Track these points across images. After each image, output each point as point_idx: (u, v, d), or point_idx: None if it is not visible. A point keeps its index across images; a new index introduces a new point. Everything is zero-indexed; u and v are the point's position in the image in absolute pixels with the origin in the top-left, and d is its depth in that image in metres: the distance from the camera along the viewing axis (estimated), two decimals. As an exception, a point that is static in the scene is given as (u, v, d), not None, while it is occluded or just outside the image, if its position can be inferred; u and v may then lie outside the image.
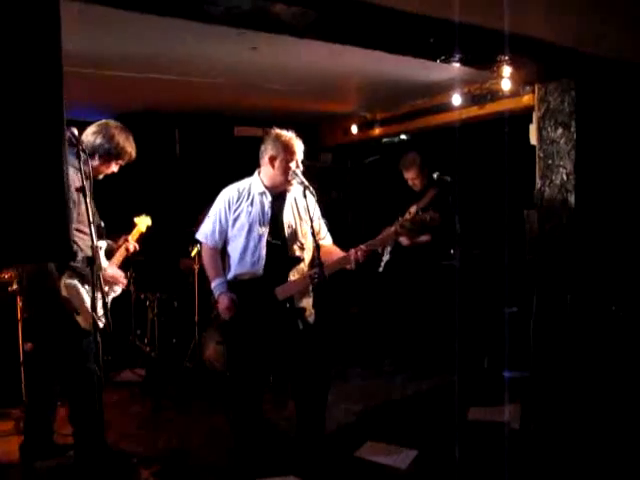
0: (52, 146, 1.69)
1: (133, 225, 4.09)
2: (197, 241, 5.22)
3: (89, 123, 3.53)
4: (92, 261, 2.64)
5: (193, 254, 5.33)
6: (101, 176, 3.56)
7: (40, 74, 1.66)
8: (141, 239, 4.05)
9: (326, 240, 3.64)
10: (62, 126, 1.71)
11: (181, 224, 5.96)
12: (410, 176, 5.24)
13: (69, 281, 3.28)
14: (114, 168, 3.57)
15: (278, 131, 3.44)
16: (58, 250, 1.74)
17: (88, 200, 2.76)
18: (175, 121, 6.50)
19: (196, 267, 5.34)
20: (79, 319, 3.31)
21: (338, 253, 3.50)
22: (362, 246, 3.35)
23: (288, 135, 3.41)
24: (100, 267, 2.71)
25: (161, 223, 4.59)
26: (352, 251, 3.34)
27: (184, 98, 5.52)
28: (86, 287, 3.33)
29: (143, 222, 4.16)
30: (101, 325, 3.26)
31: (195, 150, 6.66)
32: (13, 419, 4.13)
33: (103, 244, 3.60)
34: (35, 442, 3.59)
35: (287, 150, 3.35)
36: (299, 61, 4.23)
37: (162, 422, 4.34)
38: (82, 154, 2.88)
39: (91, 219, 2.72)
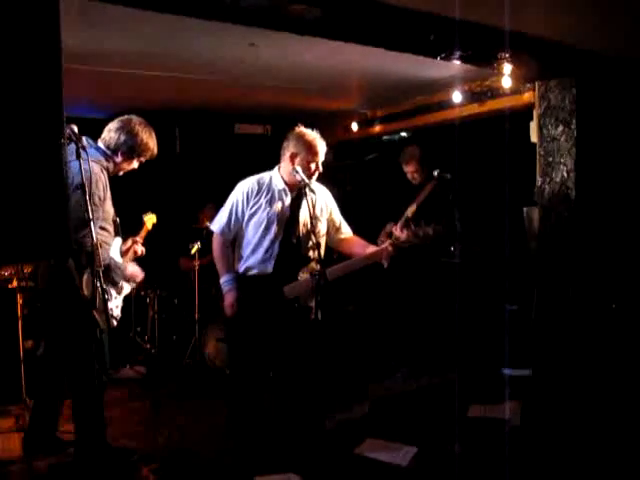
0: (51, 144, 1.69)
1: (142, 223, 4.09)
2: (197, 239, 5.27)
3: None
4: (91, 259, 2.64)
5: (193, 252, 5.33)
6: (121, 173, 3.52)
7: (40, 71, 1.66)
8: (147, 237, 4.05)
9: (346, 233, 3.65)
10: (62, 123, 1.71)
11: (182, 221, 5.97)
12: (410, 169, 5.21)
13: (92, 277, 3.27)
14: (135, 165, 3.53)
15: (302, 129, 3.44)
16: (57, 248, 1.74)
17: (87, 197, 2.76)
18: (175, 118, 6.49)
19: (196, 264, 5.34)
20: (95, 317, 3.31)
21: (364, 244, 3.54)
22: (389, 246, 3.37)
23: (312, 135, 3.41)
24: (100, 264, 2.71)
25: (161, 220, 4.59)
26: (384, 250, 3.39)
27: (184, 95, 5.51)
28: (109, 287, 3.33)
29: (150, 220, 4.15)
30: (114, 323, 3.27)
31: (195, 147, 6.66)
32: (13, 416, 4.13)
33: (119, 241, 3.59)
34: (38, 437, 3.59)
35: (310, 150, 3.35)
36: (299, 58, 4.23)
37: (162, 419, 4.34)
38: (82, 152, 2.87)
39: (91, 216, 2.72)
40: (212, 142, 6.71)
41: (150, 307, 5.65)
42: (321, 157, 3.40)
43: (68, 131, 2.78)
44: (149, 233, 4.20)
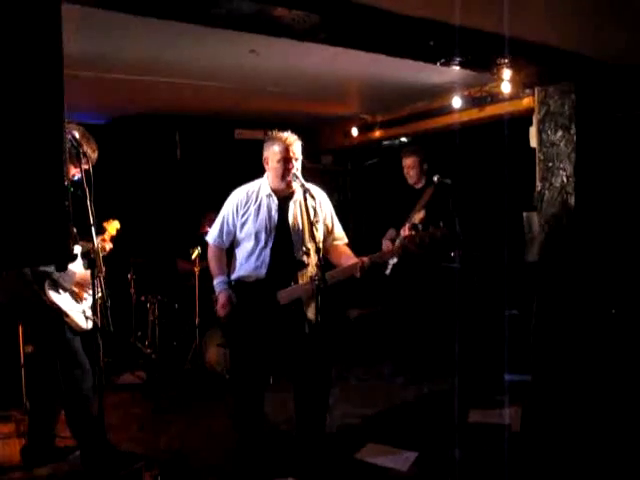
0: (53, 149, 1.69)
1: (104, 229, 4.11)
2: (197, 244, 5.27)
3: (90, 126, 3.52)
4: (93, 262, 2.64)
5: (193, 257, 5.34)
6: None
7: (41, 77, 1.66)
8: (113, 240, 4.04)
9: (340, 241, 3.60)
10: (62, 129, 1.71)
11: (182, 226, 5.98)
12: (408, 164, 5.17)
13: (50, 286, 3.31)
14: (74, 171, 3.53)
15: (272, 132, 3.39)
16: (58, 253, 1.74)
17: (88, 202, 2.77)
18: (176, 123, 6.51)
19: (196, 270, 5.34)
20: (68, 320, 3.35)
21: (350, 256, 3.48)
22: (365, 259, 3.36)
23: (278, 135, 3.35)
24: (100, 269, 2.72)
25: (162, 225, 4.58)
26: (358, 263, 3.34)
27: (185, 101, 5.53)
28: (60, 292, 3.36)
29: (113, 226, 4.18)
30: (90, 325, 3.29)
31: (196, 153, 6.67)
32: (14, 421, 4.14)
33: (77, 249, 3.59)
34: (36, 446, 3.60)
35: (275, 151, 3.31)
36: (300, 64, 4.24)
37: (162, 424, 4.35)
38: (82, 156, 2.89)
39: (91, 220, 2.73)
40: (213, 148, 6.72)
41: (150, 312, 5.65)
42: (295, 153, 3.32)
43: (69, 136, 2.80)
44: (146, 237, 4.16)
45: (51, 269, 3.28)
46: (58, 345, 3.37)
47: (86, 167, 2.99)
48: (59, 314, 3.31)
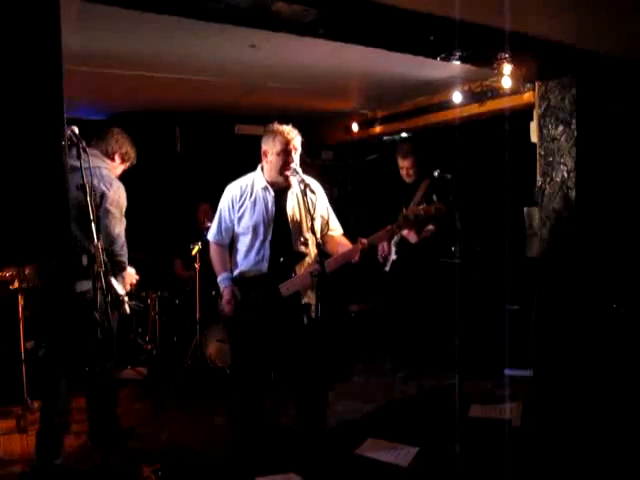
0: (52, 145, 1.69)
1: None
2: (197, 239, 5.27)
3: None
4: (92, 259, 2.64)
5: (194, 252, 5.33)
6: None
7: (40, 73, 1.66)
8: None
9: (336, 231, 3.61)
10: (62, 125, 1.71)
11: (182, 222, 5.97)
12: (407, 165, 5.18)
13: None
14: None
15: (272, 125, 3.37)
16: (58, 249, 1.74)
17: (89, 199, 2.76)
18: (176, 119, 6.50)
19: (197, 265, 5.34)
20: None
21: (346, 245, 3.48)
22: (364, 240, 3.35)
23: (280, 128, 3.32)
24: (101, 264, 2.71)
25: (162, 221, 4.57)
26: (356, 245, 3.33)
27: (185, 96, 5.52)
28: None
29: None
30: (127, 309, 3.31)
31: (196, 148, 6.66)
32: (15, 417, 4.14)
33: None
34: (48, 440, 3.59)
35: (275, 144, 3.29)
36: (300, 59, 4.23)
37: (163, 420, 4.35)
38: (83, 153, 2.88)
39: (92, 217, 2.72)
40: (213, 143, 6.71)
41: (151, 308, 5.65)
42: (294, 147, 3.30)
43: (69, 133, 2.79)
44: (146, 233, 4.18)
45: None
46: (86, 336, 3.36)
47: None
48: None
